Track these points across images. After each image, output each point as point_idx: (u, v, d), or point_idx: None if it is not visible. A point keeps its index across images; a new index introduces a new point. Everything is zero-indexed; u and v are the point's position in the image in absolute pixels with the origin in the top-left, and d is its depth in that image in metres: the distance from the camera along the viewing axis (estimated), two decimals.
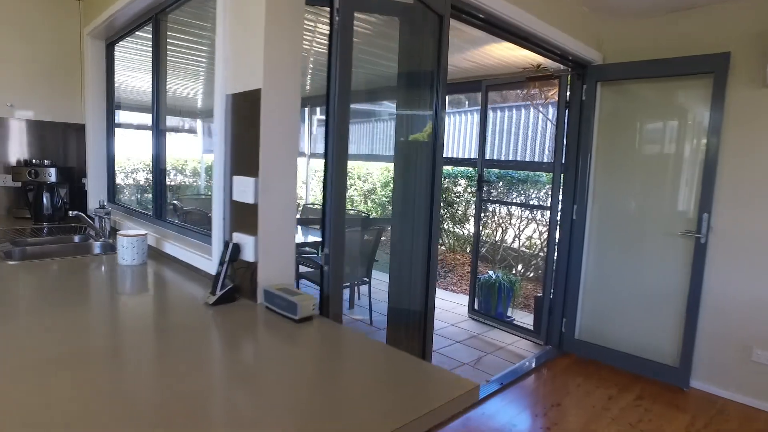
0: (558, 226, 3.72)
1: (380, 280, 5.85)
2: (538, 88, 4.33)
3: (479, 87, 4.33)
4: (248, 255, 1.48)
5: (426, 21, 2.19)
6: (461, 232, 7.08)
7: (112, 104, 3.08)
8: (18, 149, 3.22)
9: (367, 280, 4.50)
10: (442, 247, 7.76)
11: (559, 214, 3.70)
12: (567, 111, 3.62)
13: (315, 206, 5.99)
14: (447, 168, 6.82)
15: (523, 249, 5.93)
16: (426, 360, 2.35)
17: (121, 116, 3.33)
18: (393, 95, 6.07)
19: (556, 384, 3.26)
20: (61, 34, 3.03)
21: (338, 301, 1.65)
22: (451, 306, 5.08)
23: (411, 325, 2.37)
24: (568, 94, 3.64)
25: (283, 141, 1.48)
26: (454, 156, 7.39)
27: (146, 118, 2.99)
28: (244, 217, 1.51)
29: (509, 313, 4.62)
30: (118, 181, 3.46)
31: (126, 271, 1.85)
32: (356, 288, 4.90)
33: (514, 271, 6.05)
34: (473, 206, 6.42)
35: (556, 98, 3.76)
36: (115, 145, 3.16)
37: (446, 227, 7.45)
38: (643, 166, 3.37)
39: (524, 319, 4.56)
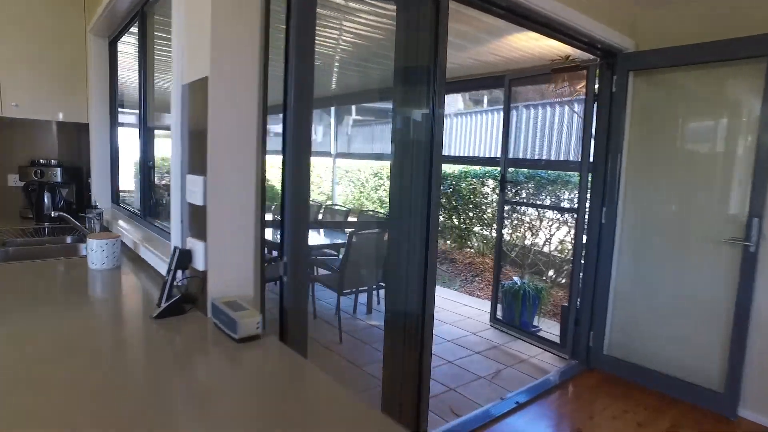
0: (585, 230, 3.40)
1: None
2: (568, 81, 4.01)
3: (503, 83, 4.06)
4: (198, 263, 1.32)
5: (425, 7, 1.98)
6: (491, 235, 6.77)
7: (115, 103, 3.03)
8: (30, 149, 3.24)
9: (384, 285, 4.31)
10: (471, 250, 7.47)
11: (586, 216, 3.39)
12: (595, 105, 3.31)
13: (337, 207, 5.85)
14: (474, 168, 6.52)
15: (555, 253, 5.57)
16: (424, 375, 2.14)
17: (126, 115, 3.29)
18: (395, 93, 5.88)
19: (580, 405, 2.96)
20: (66, 33, 3.00)
21: (299, 317, 1.47)
22: (474, 313, 4.81)
23: (408, 336, 2.16)
24: (596, 86, 3.32)
25: (237, 135, 1.31)
26: (482, 155, 7.08)
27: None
28: (197, 220, 1.36)
29: (535, 323, 4.31)
30: (134, 180, 3.42)
31: (93, 277, 1.74)
32: (375, 292, 4.72)
33: (545, 277, 5.71)
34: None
35: (584, 92, 3.44)
36: (119, 145, 3.11)
37: (475, 230, 7.16)
38: (683, 164, 3.02)
39: (553, 329, 4.24)
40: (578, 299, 3.49)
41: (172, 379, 0.98)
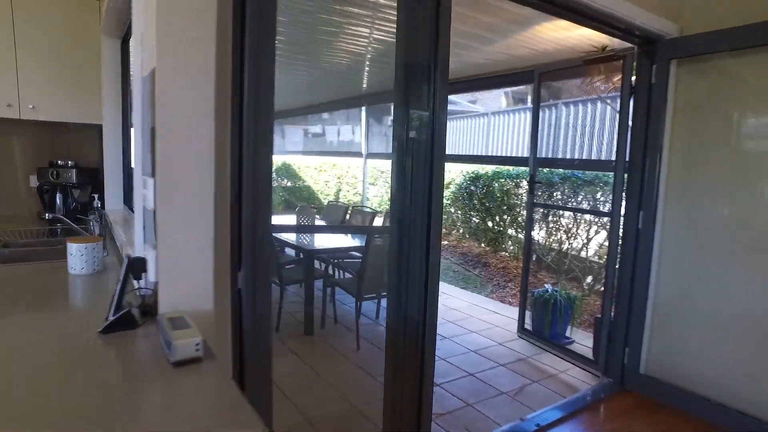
0: (620, 236, 3.10)
1: None
2: (604, 74, 3.69)
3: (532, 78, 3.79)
4: (150, 273, 1.20)
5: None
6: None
7: (127, 103, 3.02)
8: (50, 150, 3.28)
9: (386, 295, 4.13)
10: (505, 254, 7.16)
11: (621, 221, 3.08)
12: (632, 99, 3.00)
13: (367, 209, 5.71)
14: (507, 168, 6.22)
15: (594, 259, 5.21)
16: (424, 400, 1.96)
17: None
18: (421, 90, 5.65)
19: (611, 430, 2.68)
20: (81, 34, 3.01)
21: (260, 339, 1.32)
22: (503, 321, 4.55)
23: (409, 347, 1.98)
24: (633, 78, 3.01)
25: (191, 133, 1.19)
26: (517, 155, 6.77)
27: None
28: (151, 226, 1.24)
29: (568, 334, 4.01)
30: None
31: (70, 282, 1.67)
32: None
33: (584, 284, 5.36)
34: (537, 210, 5.79)
35: (619, 85, 3.13)
36: (132, 146, 3.09)
37: (509, 232, 6.84)
38: (737, 164, 2.67)
39: (588, 341, 3.92)
40: (612, 312, 3.18)
41: (72, 408, 0.85)
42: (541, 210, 5.26)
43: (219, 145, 1.23)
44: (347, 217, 5.91)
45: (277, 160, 13.59)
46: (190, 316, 1.16)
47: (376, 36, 3.93)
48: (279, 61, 5.07)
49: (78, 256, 1.72)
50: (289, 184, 13.95)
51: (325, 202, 13.70)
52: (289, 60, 5.07)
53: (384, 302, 4.64)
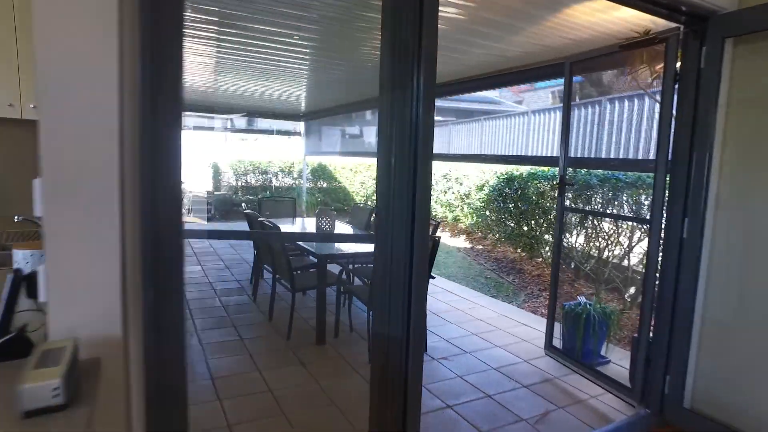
0: (661, 246, 2.70)
1: (441, 293, 5.10)
2: (646, 62, 3.27)
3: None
4: (40, 291, 1.01)
5: None
6: (565, 244, 5.99)
7: None
8: None
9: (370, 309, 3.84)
10: (540, 260, 6.72)
11: (663, 228, 2.68)
12: (676, 87, 2.60)
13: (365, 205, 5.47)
14: (542, 169, 5.79)
15: (637, 269, 4.73)
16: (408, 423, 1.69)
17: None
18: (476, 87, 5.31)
19: None
20: None
21: (170, 381, 1.07)
22: (532, 335, 4.18)
23: (393, 367, 1.72)
24: (678, 65, 2.61)
25: (89, 125, 0.98)
26: (554, 155, 6.31)
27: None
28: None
29: (604, 352, 3.60)
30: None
31: None
32: None
33: (626, 296, 4.88)
34: (573, 214, 5.35)
35: (662, 72, 2.73)
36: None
37: (546, 238, 6.40)
38: None
39: (627, 361, 3.50)
40: (650, 332, 2.78)
41: None
42: (561, 214, 4.83)
43: (126, 140, 1.02)
44: (372, 219, 5.68)
45: (314, 160, 13.58)
46: (90, 343, 0.95)
47: None
48: (313, 59, 4.95)
49: (23, 263, 1.57)
50: (324, 185, 13.92)
51: (360, 204, 13.58)
52: (326, 58, 4.93)
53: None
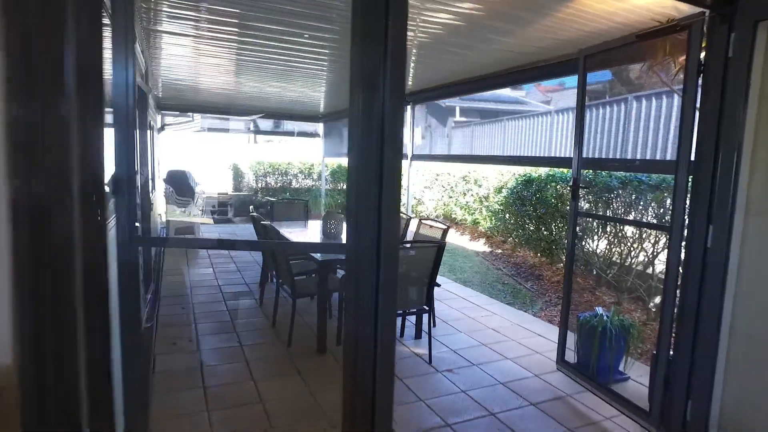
0: (683, 256, 2.44)
1: (450, 306, 4.86)
2: (670, 54, 3.01)
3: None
4: None
5: None
6: (586, 248, 5.69)
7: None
8: None
9: (427, 308, 3.65)
10: (561, 265, 6.40)
11: (684, 236, 2.43)
12: (700, 79, 2.35)
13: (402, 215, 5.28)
14: (561, 171, 5.50)
15: (662, 277, 4.41)
16: None
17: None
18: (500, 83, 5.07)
19: None
20: None
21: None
22: (546, 347, 3.93)
23: (362, 380, 1.55)
24: (702, 55, 2.36)
25: None
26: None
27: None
28: None
29: (622, 368, 3.34)
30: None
31: None
32: (424, 318, 4.05)
33: (650, 306, 4.57)
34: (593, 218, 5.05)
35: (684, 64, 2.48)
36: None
37: (566, 242, 6.10)
38: None
39: (646, 378, 3.22)
40: (671, 350, 2.53)
41: None
42: (574, 220, 4.54)
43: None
44: None
45: (333, 162, 13.52)
46: None
47: (422, 27, 3.52)
48: (331, 60, 4.85)
49: None
50: (345, 186, 13.84)
51: None
52: (345, 59, 4.83)
53: (410, 319, 4.18)
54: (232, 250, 5.63)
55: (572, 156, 3.10)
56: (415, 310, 3.75)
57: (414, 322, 4.14)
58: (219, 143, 13.84)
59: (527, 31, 3.43)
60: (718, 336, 2.33)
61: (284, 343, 3.81)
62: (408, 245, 3.90)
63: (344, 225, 5.10)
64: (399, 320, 4.21)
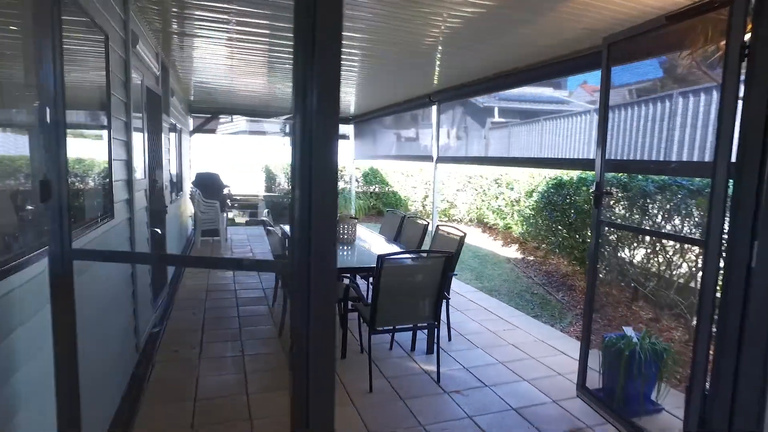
0: (723, 276, 2.07)
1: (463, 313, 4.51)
2: (712, 41, 2.61)
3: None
4: None
5: None
6: (622, 257, 5.23)
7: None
8: None
9: (435, 323, 3.37)
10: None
11: (723, 252, 2.06)
12: (744, 65, 1.98)
13: (418, 219, 5.02)
14: (592, 174, 5.06)
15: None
16: None
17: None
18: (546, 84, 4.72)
19: None
20: None
21: None
22: (569, 368, 3.55)
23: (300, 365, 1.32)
24: (747, 37, 1.99)
25: None
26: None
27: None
28: None
29: (654, 397, 2.95)
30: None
31: None
32: (435, 332, 3.75)
33: (692, 324, 4.10)
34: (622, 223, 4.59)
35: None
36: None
37: (601, 250, 5.64)
38: None
39: (682, 410, 2.81)
40: (707, 383, 2.16)
41: None
42: (598, 229, 4.11)
43: None
44: (402, 227, 5.27)
45: (364, 164, 13.38)
46: None
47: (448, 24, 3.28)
48: (364, 64, 4.70)
49: None
50: (377, 189, 13.66)
51: (412, 209, 13.16)
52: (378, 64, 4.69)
53: (420, 334, 3.90)
54: (173, 265, 5.49)
55: (594, 158, 2.75)
56: (425, 324, 3.48)
57: (426, 335, 3.87)
58: (253, 145, 13.97)
59: (549, 19, 3.10)
60: (763, 369, 1.95)
61: (287, 354, 3.63)
62: (407, 255, 3.65)
63: (357, 229, 4.90)
64: (409, 334, 3.94)
